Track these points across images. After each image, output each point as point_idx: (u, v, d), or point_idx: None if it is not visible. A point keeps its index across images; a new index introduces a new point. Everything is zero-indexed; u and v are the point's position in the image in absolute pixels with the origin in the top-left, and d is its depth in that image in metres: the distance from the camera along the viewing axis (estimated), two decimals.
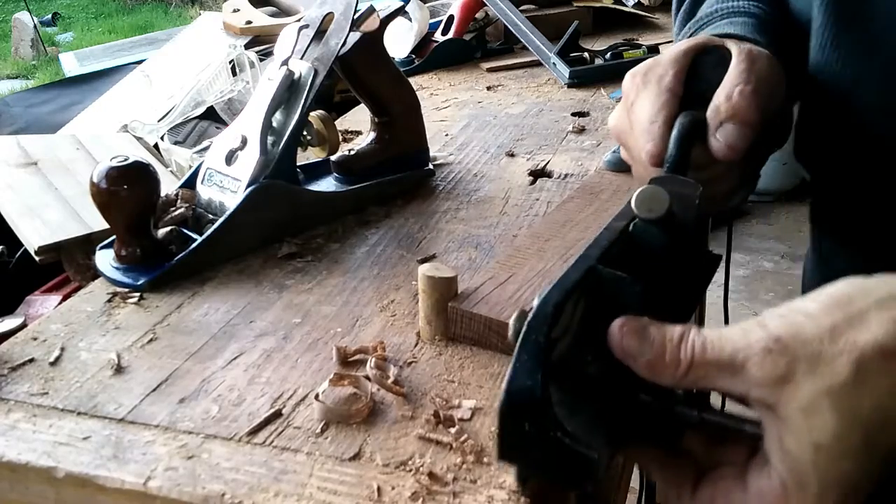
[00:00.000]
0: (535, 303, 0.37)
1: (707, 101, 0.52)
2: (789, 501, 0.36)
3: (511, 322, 0.38)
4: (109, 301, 0.67)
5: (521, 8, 1.42)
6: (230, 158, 0.76)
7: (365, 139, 0.89)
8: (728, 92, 0.51)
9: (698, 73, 0.54)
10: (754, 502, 0.38)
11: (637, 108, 0.54)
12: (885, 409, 0.34)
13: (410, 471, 0.46)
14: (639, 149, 0.53)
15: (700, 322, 2.02)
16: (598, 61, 1.25)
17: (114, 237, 0.71)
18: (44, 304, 1.20)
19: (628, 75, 0.57)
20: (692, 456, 0.41)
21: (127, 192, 0.67)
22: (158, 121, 1.66)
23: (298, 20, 0.83)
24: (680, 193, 0.44)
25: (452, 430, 0.49)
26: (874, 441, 0.35)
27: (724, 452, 0.41)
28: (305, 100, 0.77)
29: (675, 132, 0.51)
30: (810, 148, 0.67)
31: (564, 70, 1.22)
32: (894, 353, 0.34)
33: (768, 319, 0.37)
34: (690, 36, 0.63)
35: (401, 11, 0.85)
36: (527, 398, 0.36)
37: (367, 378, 0.54)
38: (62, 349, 0.60)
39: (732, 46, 0.54)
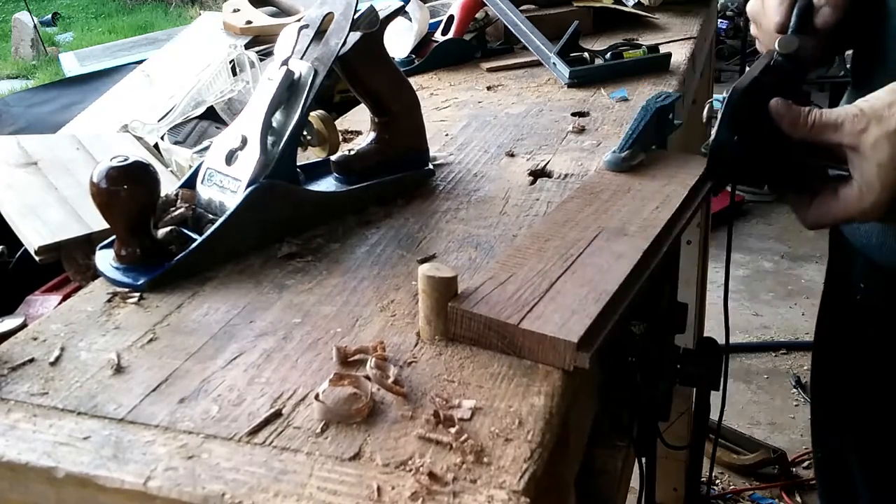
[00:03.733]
0: (725, 95, 0.70)
1: None
2: (862, 198, 0.66)
3: (705, 111, 0.75)
4: (109, 301, 0.67)
5: (521, 8, 1.42)
6: (230, 158, 0.76)
7: (365, 139, 0.89)
8: None
9: None
10: (840, 202, 0.68)
11: None
12: None
13: (410, 471, 0.46)
14: (769, 20, 0.80)
15: (700, 321, 2.02)
16: (598, 61, 1.25)
17: (114, 237, 0.71)
18: (44, 304, 1.19)
19: None
20: (812, 189, 0.71)
21: (127, 191, 0.67)
22: (158, 121, 1.66)
23: (298, 20, 0.83)
24: (802, 43, 0.74)
25: (452, 430, 0.49)
26: None
27: (829, 185, 0.69)
28: (305, 100, 0.77)
29: (796, 10, 0.78)
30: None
31: (564, 70, 1.22)
32: None
33: (858, 101, 0.66)
34: None
35: (401, 11, 0.85)
36: (727, 141, 0.70)
37: (367, 378, 0.54)
38: (62, 349, 0.60)
39: None
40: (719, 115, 0.70)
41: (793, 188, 0.73)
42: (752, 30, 0.88)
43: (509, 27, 1.36)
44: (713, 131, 0.70)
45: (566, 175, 0.89)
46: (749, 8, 0.87)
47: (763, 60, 0.75)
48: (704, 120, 0.75)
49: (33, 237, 1.19)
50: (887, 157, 0.63)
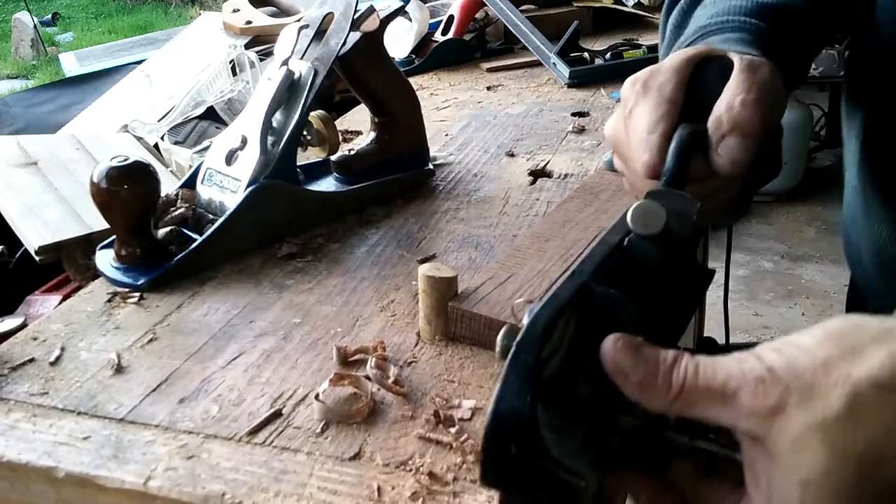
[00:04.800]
0: (525, 321, 0.35)
1: (708, 111, 0.50)
2: None
3: (498, 339, 0.36)
4: (109, 301, 0.67)
5: (521, 8, 1.42)
6: (230, 158, 0.76)
7: (365, 139, 0.89)
8: (729, 102, 0.49)
9: (700, 83, 0.52)
10: None
11: (636, 117, 0.51)
12: (880, 445, 0.32)
13: (410, 471, 0.46)
14: (635, 159, 0.50)
15: (699, 322, 2.02)
16: (598, 61, 1.25)
17: (114, 237, 0.72)
18: (44, 304, 1.19)
19: (628, 82, 0.54)
20: (678, 488, 0.39)
21: (127, 191, 0.67)
22: (158, 121, 1.66)
23: (298, 20, 0.83)
24: (677, 209, 0.42)
25: (452, 430, 0.49)
26: (866, 479, 0.32)
27: (708, 488, 0.39)
28: (305, 100, 0.77)
29: (673, 144, 0.48)
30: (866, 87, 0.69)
31: (564, 70, 1.22)
32: (891, 386, 0.32)
33: (763, 351, 0.35)
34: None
35: (401, 11, 0.85)
36: (514, 421, 0.33)
37: (368, 378, 0.54)
38: (62, 349, 0.60)
39: (734, 56, 0.52)
40: (505, 365, 0.34)
41: (647, 493, 0.40)
42: (616, 162, 0.57)
43: (509, 27, 1.36)
44: (494, 393, 0.34)
45: (566, 175, 0.89)
46: (608, 131, 0.56)
47: (612, 238, 0.42)
48: (498, 355, 0.36)
49: (33, 237, 1.19)
50: (821, 470, 0.32)
